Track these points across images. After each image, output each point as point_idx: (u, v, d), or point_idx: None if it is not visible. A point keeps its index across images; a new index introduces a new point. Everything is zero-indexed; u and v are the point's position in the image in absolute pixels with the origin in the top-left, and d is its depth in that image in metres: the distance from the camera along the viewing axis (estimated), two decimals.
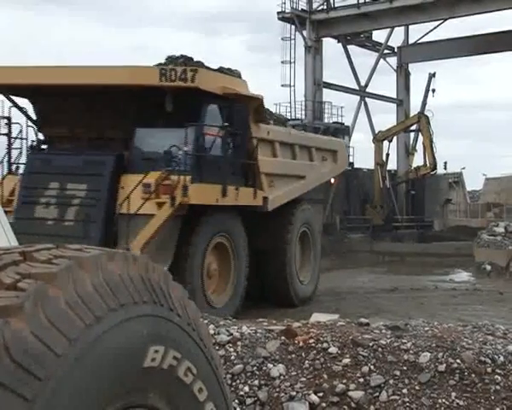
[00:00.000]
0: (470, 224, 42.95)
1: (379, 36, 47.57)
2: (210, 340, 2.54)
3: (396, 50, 48.00)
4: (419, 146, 42.91)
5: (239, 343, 7.67)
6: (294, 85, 41.62)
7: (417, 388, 6.89)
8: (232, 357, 7.46)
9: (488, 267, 25.31)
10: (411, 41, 47.57)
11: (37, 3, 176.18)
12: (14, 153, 15.60)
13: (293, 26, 41.80)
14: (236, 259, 15.28)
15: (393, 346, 7.36)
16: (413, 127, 43.01)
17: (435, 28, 44.81)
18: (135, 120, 14.38)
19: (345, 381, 7.01)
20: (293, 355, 7.43)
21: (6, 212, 14.77)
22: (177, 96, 13.79)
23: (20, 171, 15.30)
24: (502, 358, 7.11)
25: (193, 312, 2.42)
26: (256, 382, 7.13)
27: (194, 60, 15.25)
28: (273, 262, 16.87)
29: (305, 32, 41.95)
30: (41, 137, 15.93)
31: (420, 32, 48.15)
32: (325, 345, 7.47)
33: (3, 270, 1.94)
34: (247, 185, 15.63)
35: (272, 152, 16.86)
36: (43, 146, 15.89)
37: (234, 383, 7.14)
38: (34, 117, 15.91)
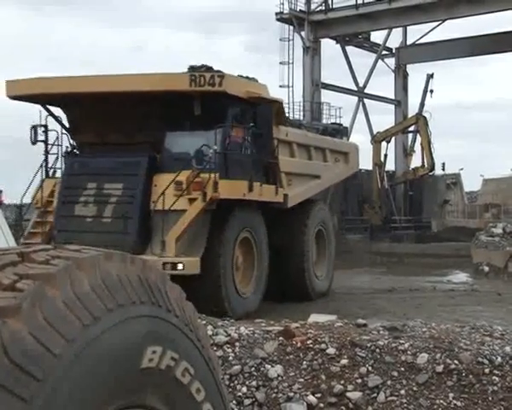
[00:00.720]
0: (468, 225, 42.97)
1: (377, 37, 47.71)
2: (208, 340, 2.54)
3: (394, 51, 48.04)
4: (417, 147, 42.96)
5: (237, 344, 7.67)
6: (293, 86, 41.70)
7: (415, 389, 6.89)
8: (230, 358, 7.46)
9: (486, 268, 25.33)
10: (409, 42, 47.64)
11: (34, 3, 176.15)
12: (51, 158, 16.91)
13: (291, 27, 41.84)
14: (259, 253, 16.26)
15: (391, 347, 7.37)
16: (411, 128, 43.02)
17: (433, 29, 44.90)
18: (164, 124, 15.38)
19: (343, 382, 7.02)
20: (291, 356, 7.43)
21: (46, 211, 15.61)
22: (205, 100, 14.92)
23: (57, 175, 16.62)
24: (499, 359, 7.11)
25: (190, 312, 2.42)
26: (254, 382, 7.13)
27: (214, 68, 16.31)
28: (291, 258, 17.76)
29: (303, 33, 41.99)
30: (74, 142, 16.97)
31: (418, 32, 48.26)
32: (323, 346, 7.47)
33: (1, 270, 1.95)
34: (269, 183, 16.65)
35: (290, 152, 18.01)
36: (77, 151, 16.94)
37: (232, 384, 7.14)
38: (67, 125, 16.95)
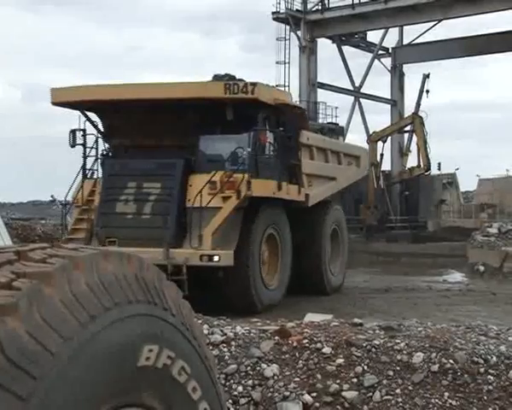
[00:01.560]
0: (464, 224, 42.95)
1: (373, 36, 47.67)
2: (204, 339, 2.55)
3: (390, 51, 48.05)
4: (413, 147, 42.96)
5: (233, 343, 7.68)
6: (289, 86, 41.60)
7: (410, 388, 6.91)
8: (226, 357, 7.47)
9: (481, 268, 25.35)
10: (406, 42, 47.67)
11: (30, 3, 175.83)
12: (88, 160, 18.12)
13: (287, 27, 41.80)
14: (283, 249, 17.53)
15: (387, 346, 7.38)
16: (407, 128, 43.03)
17: (430, 29, 44.88)
18: (198, 128, 16.55)
19: (338, 381, 7.03)
20: (287, 355, 7.44)
21: (86, 209, 16.68)
22: (237, 106, 16.17)
23: (95, 176, 17.81)
24: (494, 358, 7.13)
25: (187, 311, 2.43)
26: (250, 382, 7.14)
27: (237, 77, 17.62)
28: (309, 255, 19.21)
29: (299, 33, 41.97)
30: (108, 145, 18.23)
31: (414, 32, 48.16)
32: (319, 345, 7.48)
33: None
34: (291, 183, 17.94)
35: (310, 155, 19.30)
36: (112, 154, 18.09)
37: (228, 383, 7.15)
38: (102, 129, 18.19)
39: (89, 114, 18.03)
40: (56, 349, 1.86)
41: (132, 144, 17.55)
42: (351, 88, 46.40)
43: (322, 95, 43.60)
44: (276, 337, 7.72)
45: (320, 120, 42.07)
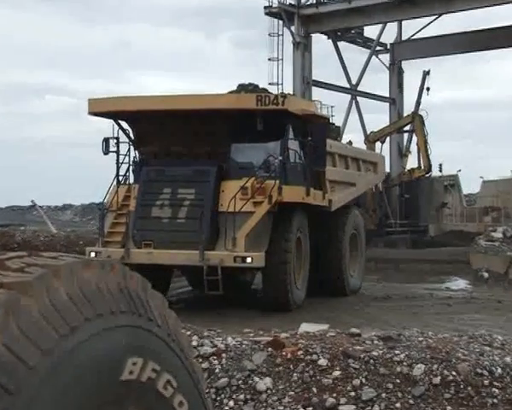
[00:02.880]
0: (467, 229, 43.06)
1: (371, 32, 47.67)
2: (191, 351, 2.55)
3: (389, 47, 48.10)
4: (413, 147, 43.05)
5: (224, 355, 7.68)
6: (282, 84, 41.59)
7: (411, 402, 6.91)
8: (216, 370, 7.47)
9: (485, 274, 25.38)
10: (405, 37, 47.71)
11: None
12: (119, 167, 19.80)
13: (280, 22, 41.79)
14: (306, 252, 19.28)
15: (386, 358, 7.39)
16: (407, 128, 43.10)
17: (430, 24, 44.95)
18: (229, 137, 18.41)
19: (335, 395, 7.03)
20: (281, 368, 7.44)
21: (121, 214, 18.17)
22: (267, 116, 17.81)
23: (128, 182, 19.57)
24: (499, 370, 7.14)
25: (173, 322, 2.43)
26: (242, 396, 7.13)
27: (260, 87, 20.06)
28: (330, 258, 20.91)
29: (293, 28, 41.97)
30: (138, 153, 20.10)
31: (414, 27, 48.12)
32: (314, 357, 7.49)
33: None
34: (316, 189, 19.64)
35: (333, 162, 21.26)
36: (145, 161, 19.67)
37: (218, 398, 7.14)
38: (134, 137, 20.02)
39: (121, 122, 19.83)
40: (34, 362, 1.85)
41: (164, 152, 19.50)
42: (347, 86, 46.43)
43: (317, 93, 43.63)
44: (270, 349, 7.72)
45: None
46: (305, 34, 42.21)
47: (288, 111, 18.03)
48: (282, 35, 41.92)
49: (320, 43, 47.02)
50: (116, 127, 19.63)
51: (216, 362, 7.57)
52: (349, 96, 46.48)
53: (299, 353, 7.57)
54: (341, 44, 46.28)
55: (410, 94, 52.00)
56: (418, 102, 45.32)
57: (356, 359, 7.38)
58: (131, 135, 20.09)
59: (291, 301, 17.90)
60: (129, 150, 19.78)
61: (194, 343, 7.85)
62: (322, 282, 20.62)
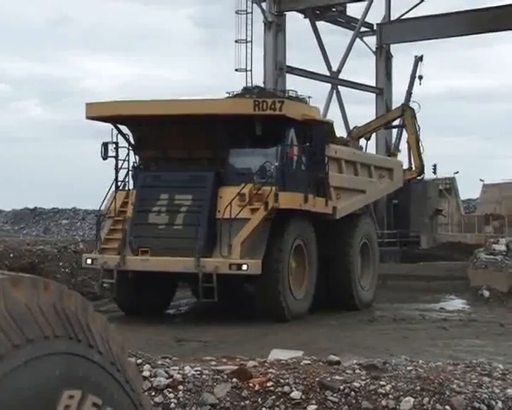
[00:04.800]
0: (465, 240, 43.32)
1: (355, 10, 47.87)
2: (139, 382, 2.55)
3: (375, 28, 48.27)
4: (403, 145, 43.24)
5: (181, 388, 7.67)
6: (251, 70, 41.64)
7: None
8: (172, 405, 7.46)
9: (486, 293, 25.52)
10: (394, 17, 47.93)
11: None
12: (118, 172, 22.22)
13: None
14: (310, 261, 21.33)
15: (369, 389, 7.42)
16: (396, 122, 43.28)
17: (422, 1, 45.23)
18: (227, 142, 20.62)
19: None
20: (248, 402, 7.45)
21: (119, 220, 21.29)
22: (265, 122, 20.12)
23: (126, 187, 22.02)
24: (500, 404, 7.20)
25: (118, 348, 2.42)
26: None
27: (267, 89, 22.37)
28: (338, 269, 22.93)
29: (264, 5, 42.00)
30: (137, 157, 22.55)
31: (405, 5, 48.42)
32: (286, 388, 7.50)
33: None
34: (319, 196, 21.69)
35: (338, 168, 23.39)
36: (141, 166, 22.42)
37: None
38: (132, 141, 22.38)
39: (120, 126, 22.04)
40: None
41: (162, 157, 21.91)
42: (327, 73, 46.56)
43: (292, 81, 43.71)
44: (234, 380, 7.72)
45: None
46: (278, 12, 42.22)
47: (285, 116, 20.27)
48: (251, 13, 41.98)
49: (295, 23, 47.16)
50: (115, 131, 21.89)
51: (171, 395, 7.56)
52: (329, 86, 46.60)
53: (269, 384, 7.59)
54: (320, 25, 46.39)
55: (400, 83, 52.16)
56: (409, 93, 45.56)
57: (334, 391, 7.41)
58: (131, 139, 22.33)
59: (286, 311, 19.81)
60: (127, 155, 22.10)
61: (147, 373, 7.84)
62: (330, 294, 22.81)
